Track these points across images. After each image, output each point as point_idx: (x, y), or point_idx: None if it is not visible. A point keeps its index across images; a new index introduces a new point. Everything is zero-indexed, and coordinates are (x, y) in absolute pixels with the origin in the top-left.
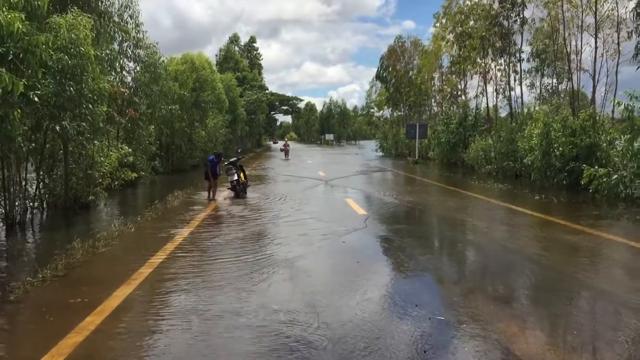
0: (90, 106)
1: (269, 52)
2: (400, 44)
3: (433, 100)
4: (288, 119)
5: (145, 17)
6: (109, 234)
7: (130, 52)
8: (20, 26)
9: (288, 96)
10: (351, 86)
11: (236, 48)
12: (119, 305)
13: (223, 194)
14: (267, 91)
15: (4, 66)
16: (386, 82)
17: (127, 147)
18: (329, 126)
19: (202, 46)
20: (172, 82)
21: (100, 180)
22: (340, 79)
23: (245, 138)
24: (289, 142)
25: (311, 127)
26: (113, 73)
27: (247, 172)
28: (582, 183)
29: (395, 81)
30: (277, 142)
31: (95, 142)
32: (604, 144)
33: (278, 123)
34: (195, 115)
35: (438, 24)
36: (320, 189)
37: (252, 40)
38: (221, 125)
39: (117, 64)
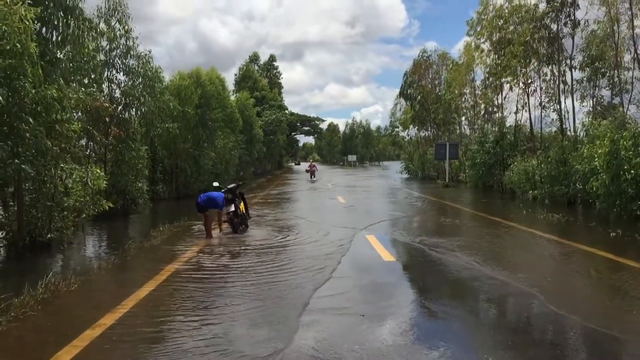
0: (32, 120)
1: (293, 74)
2: (425, 57)
3: (464, 117)
4: (311, 139)
5: (171, 42)
6: (35, 296)
7: (119, 62)
8: None
9: (309, 116)
10: (374, 107)
11: (255, 67)
12: None
13: (216, 231)
14: (286, 111)
15: None
16: (411, 99)
17: (99, 170)
18: (352, 147)
19: (226, 69)
20: (171, 97)
21: (66, 214)
22: (364, 100)
23: (264, 160)
24: (314, 163)
25: (334, 148)
26: (94, 85)
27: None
28: None
29: (421, 98)
30: (299, 164)
31: (63, 165)
32: None
33: (300, 144)
34: (202, 135)
35: (472, 32)
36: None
37: (272, 59)
38: (233, 146)
39: (99, 74)
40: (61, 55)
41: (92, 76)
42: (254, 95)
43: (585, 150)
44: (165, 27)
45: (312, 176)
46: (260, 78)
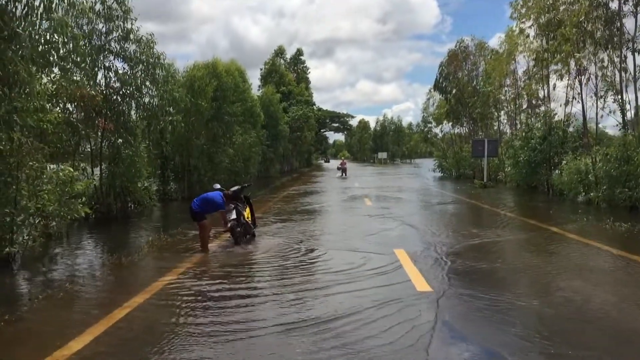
0: None
1: (324, 72)
2: (462, 48)
3: (503, 112)
4: (341, 137)
5: (203, 40)
6: None
7: (116, 47)
8: None
9: (338, 113)
10: (406, 104)
11: (282, 61)
12: None
13: (216, 241)
14: (314, 106)
15: None
16: (446, 93)
17: (70, 169)
18: (383, 144)
19: (256, 67)
20: (176, 87)
21: (32, 221)
22: (395, 97)
23: (290, 157)
24: (345, 161)
25: (364, 146)
26: (75, 69)
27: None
28: None
29: (457, 91)
30: (329, 161)
31: (32, 163)
32: None
33: (330, 141)
34: (218, 130)
35: (516, 15)
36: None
37: (299, 52)
38: (254, 142)
39: (85, 58)
40: (29, 32)
41: (77, 60)
42: (280, 90)
43: None
44: (198, 26)
45: (344, 173)
46: (287, 72)
